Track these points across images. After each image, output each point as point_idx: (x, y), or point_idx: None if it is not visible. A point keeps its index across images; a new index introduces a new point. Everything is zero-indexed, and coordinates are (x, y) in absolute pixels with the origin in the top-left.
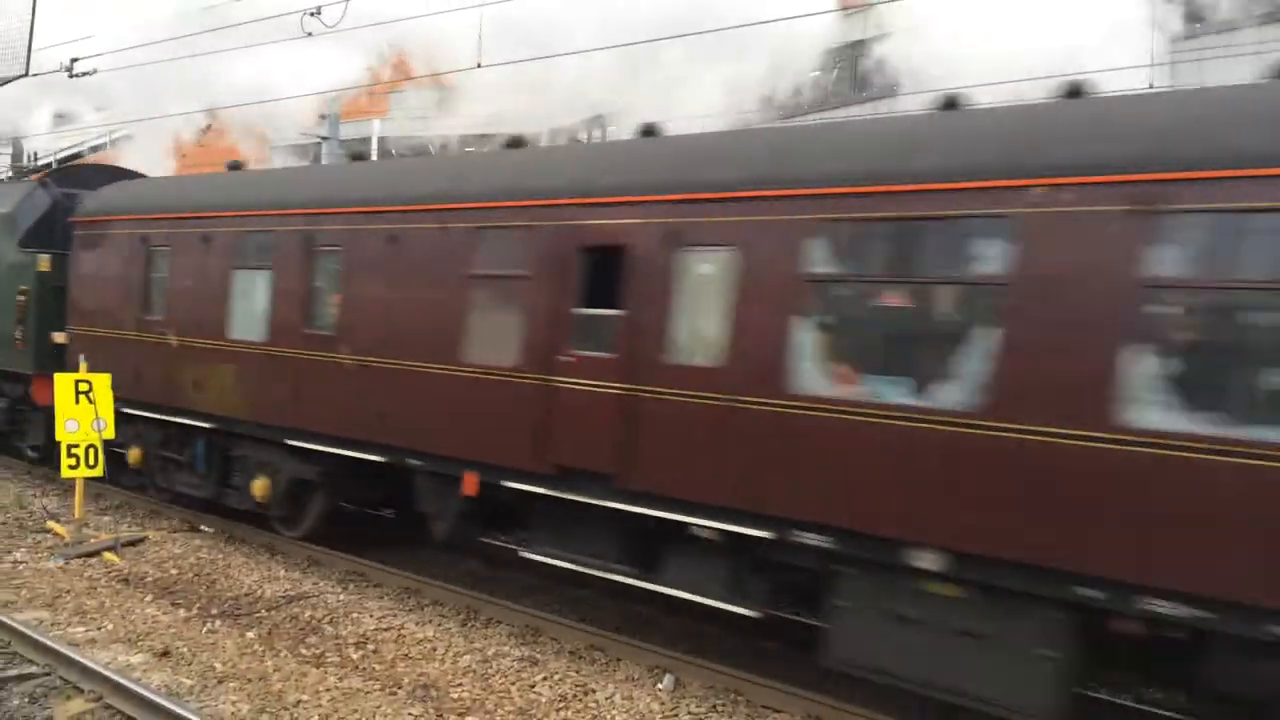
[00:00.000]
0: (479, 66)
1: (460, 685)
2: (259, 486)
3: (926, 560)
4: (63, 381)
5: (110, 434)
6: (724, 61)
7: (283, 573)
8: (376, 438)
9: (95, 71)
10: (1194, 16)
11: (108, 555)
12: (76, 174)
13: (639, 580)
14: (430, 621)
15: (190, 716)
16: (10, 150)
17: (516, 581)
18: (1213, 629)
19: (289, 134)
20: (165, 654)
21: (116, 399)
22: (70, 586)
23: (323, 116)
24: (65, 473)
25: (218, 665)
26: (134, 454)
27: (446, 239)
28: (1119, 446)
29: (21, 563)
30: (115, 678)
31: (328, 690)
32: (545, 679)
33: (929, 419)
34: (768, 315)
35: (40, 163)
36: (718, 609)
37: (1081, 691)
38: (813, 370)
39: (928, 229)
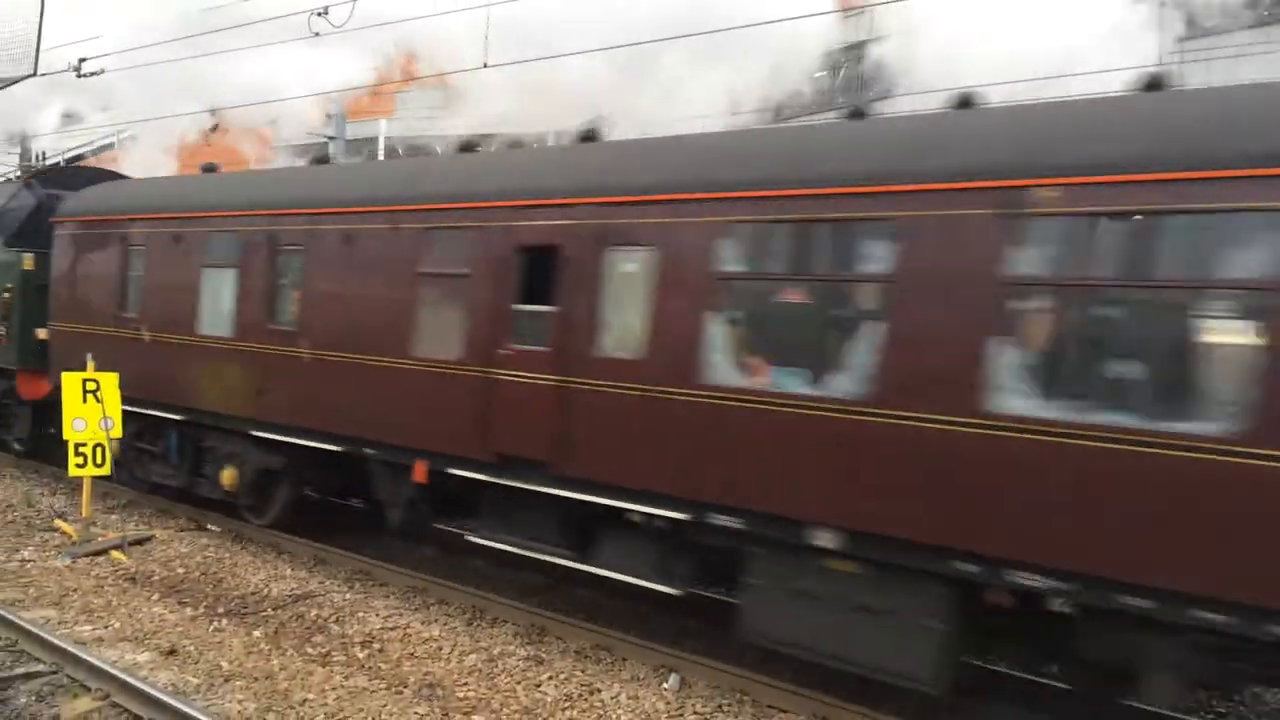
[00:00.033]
0: (485, 66)
1: (466, 684)
2: (227, 476)
3: (825, 539)
4: (70, 381)
5: (117, 433)
6: (725, 63)
7: (289, 572)
8: (334, 428)
9: (103, 71)
10: (1192, 20)
11: (115, 554)
12: (62, 175)
13: (575, 562)
14: (436, 621)
15: (197, 715)
16: (19, 150)
17: (522, 581)
18: (1073, 600)
19: (294, 134)
20: (172, 652)
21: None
22: (77, 585)
23: (329, 116)
24: (72, 471)
25: (224, 664)
26: (114, 447)
27: (397, 239)
28: (985, 432)
29: (29, 561)
30: (122, 676)
31: (333, 689)
32: (551, 678)
33: (824, 407)
34: (683, 311)
35: (48, 162)
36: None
37: (981, 665)
38: (723, 362)
39: (824, 231)
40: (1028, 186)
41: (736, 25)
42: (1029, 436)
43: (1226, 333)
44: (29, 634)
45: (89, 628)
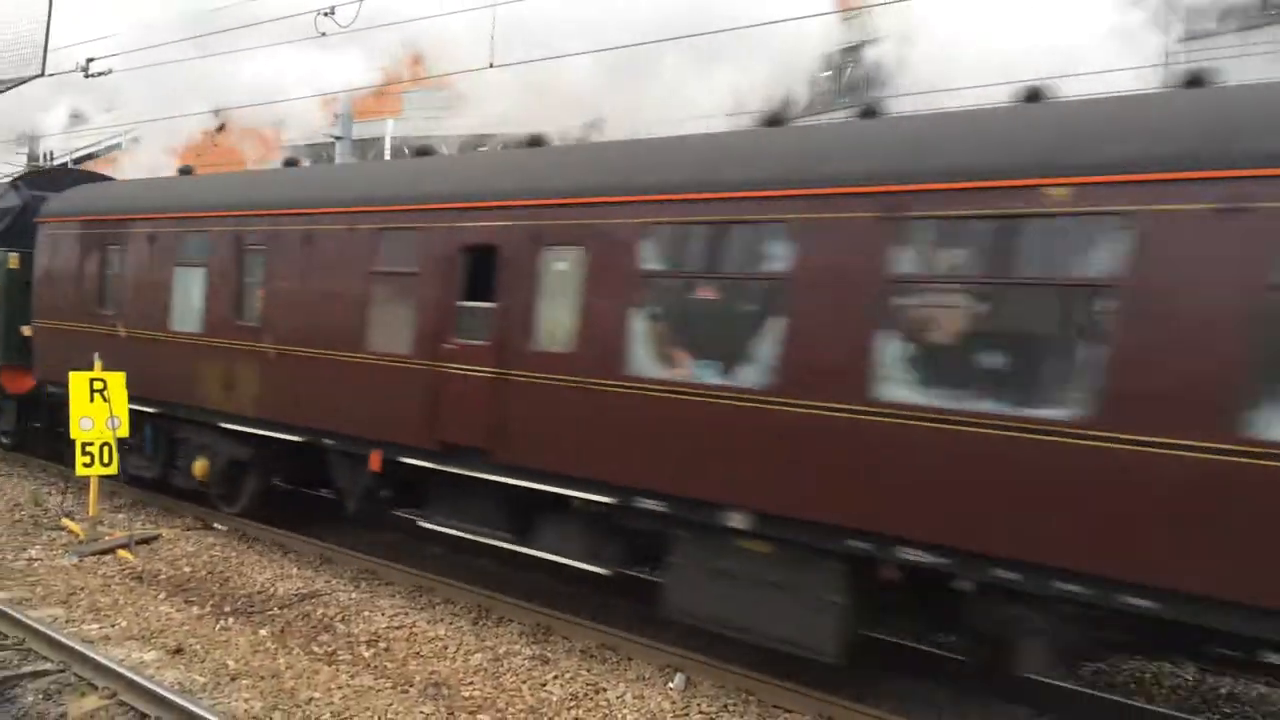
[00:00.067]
0: (491, 66)
1: (471, 683)
2: (199, 467)
3: (737, 520)
4: (77, 380)
5: (124, 431)
6: (727, 64)
7: (295, 571)
8: (296, 420)
9: (110, 71)
10: (1192, 20)
11: (122, 553)
12: (49, 177)
13: (516, 545)
14: (442, 620)
15: (203, 714)
16: (26, 150)
17: (528, 580)
18: (952, 573)
19: (301, 135)
20: (178, 651)
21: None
22: (85, 584)
23: (336, 116)
24: (80, 470)
25: (230, 663)
26: None
27: (353, 239)
28: (871, 418)
29: (37, 560)
30: (129, 675)
31: (339, 688)
32: (556, 677)
33: (733, 397)
34: (610, 307)
35: (56, 163)
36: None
37: (891, 639)
38: (646, 355)
39: (733, 232)
40: (905, 192)
41: (737, 26)
42: (910, 422)
43: (1074, 326)
44: (36, 632)
45: (96, 626)
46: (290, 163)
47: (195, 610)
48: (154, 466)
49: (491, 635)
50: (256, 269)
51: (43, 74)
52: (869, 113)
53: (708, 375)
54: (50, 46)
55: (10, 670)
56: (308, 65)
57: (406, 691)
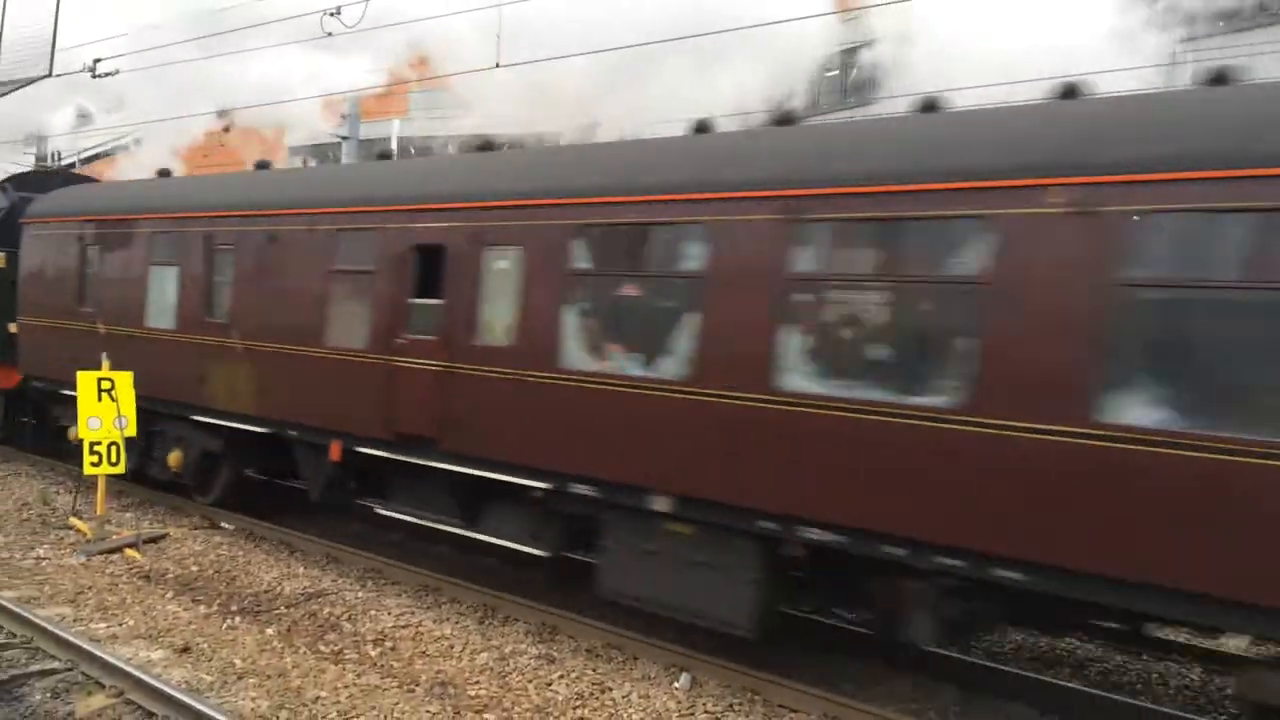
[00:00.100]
0: (498, 66)
1: (478, 683)
2: (173, 458)
3: (661, 504)
4: (85, 379)
5: (132, 431)
6: (729, 65)
7: (302, 570)
8: (263, 413)
9: (117, 72)
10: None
11: (129, 552)
12: (35, 179)
13: (465, 530)
14: (448, 619)
15: (210, 712)
16: (35, 150)
17: (534, 580)
18: (847, 551)
19: (307, 136)
20: (186, 650)
21: (56, 381)
22: (92, 583)
23: (343, 116)
24: (87, 470)
25: (237, 661)
26: (72, 432)
27: (314, 239)
28: (774, 406)
29: (45, 559)
30: (136, 673)
31: (346, 687)
32: (562, 677)
33: (655, 387)
34: (544, 303)
35: (63, 163)
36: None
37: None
38: (576, 349)
39: (653, 232)
40: (804, 196)
41: (740, 26)
42: (808, 410)
43: (949, 321)
44: (44, 631)
45: (103, 625)
46: (261, 165)
47: (202, 609)
48: (132, 458)
49: (497, 635)
50: (225, 268)
51: (50, 74)
52: (785, 120)
53: (632, 367)
54: (58, 46)
55: (18, 669)
56: (313, 67)
57: (412, 691)
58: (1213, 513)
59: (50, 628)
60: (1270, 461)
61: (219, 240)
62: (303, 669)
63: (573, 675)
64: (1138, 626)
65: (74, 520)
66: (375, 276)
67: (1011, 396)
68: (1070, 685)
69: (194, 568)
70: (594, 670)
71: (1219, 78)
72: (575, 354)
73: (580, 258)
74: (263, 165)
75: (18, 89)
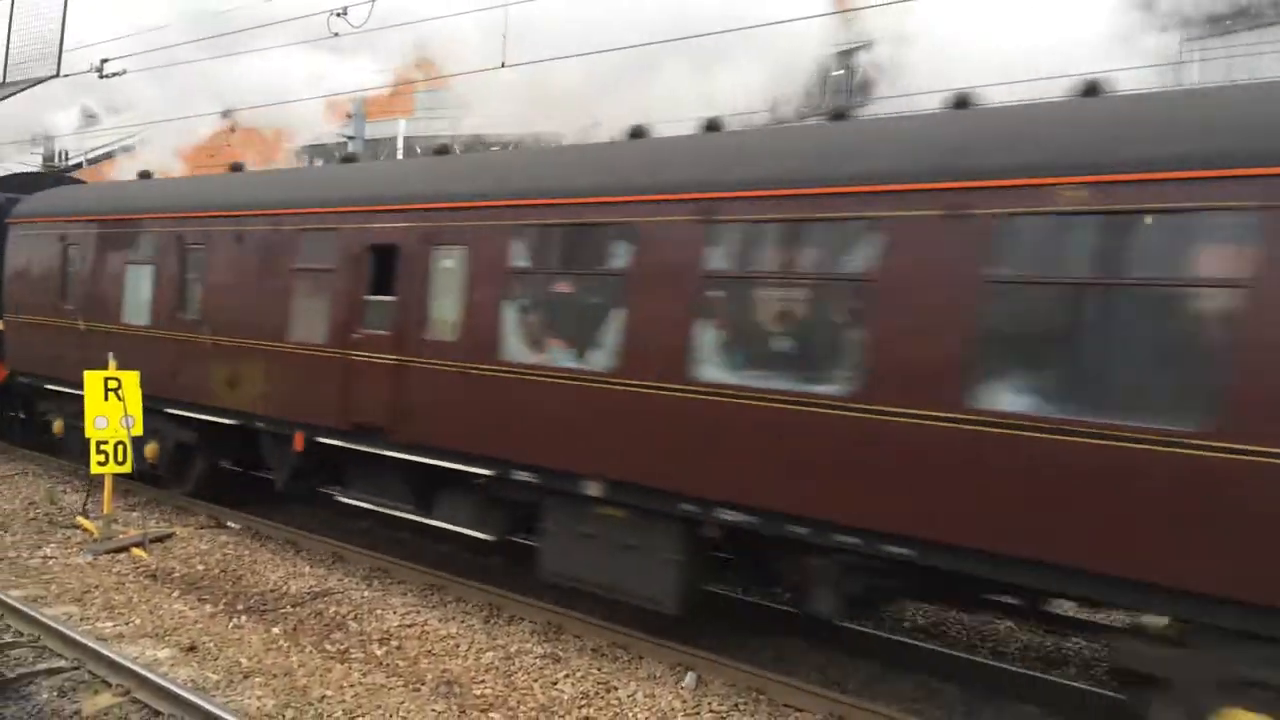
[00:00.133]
0: (503, 66)
1: (483, 682)
2: (150, 450)
3: (593, 488)
4: (92, 379)
5: (139, 430)
6: (731, 65)
7: (308, 569)
8: (232, 405)
9: (124, 72)
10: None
11: (136, 551)
12: (24, 180)
13: (418, 516)
14: (453, 618)
15: (216, 711)
16: (42, 151)
17: (539, 579)
18: (757, 531)
19: (314, 136)
20: (192, 649)
21: (41, 377)
22: (99, 582)
23: (349, 116)
24: (94, 469)
25: (243, 660)
26: (57, 425)
27: (278, 238)
28: (691, 395)
29: (51, 558)
30: (143, 672)
31: (351, 686)
32: (568, 676)
33: (585, 379)
34: (486, 300)
35: (70, 163)
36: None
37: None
38: (515, 342)
39: (583, 232)
40: (716, 198)
41: (743, 26)
42: (720, 399)
43: (844, 316)
44: (51, 630)
45: (110, 624)
46: (236, 168)
47: (208, 608)
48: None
49: (503, 634)
50: (196, 266)
51: (58, 74)
52: (711, 126)
53: (565, 360)
54: (65, 47)
55: (25, 667)
56: (319, 67)
57: (418, 690)
58: (1069, 491)
59: (57, 626)
60: (1115, 443)
61: (190, 240)
62: (308, 668)
63: (578, 674)
64: (1036, 603)
65: (80, 519)
66: (334, 275)
67: (896, 385)
68: (1077, 685)
69: (200, 567)
70: (599, 669)
71: (1090, 89)
72: (515, 348)
73: (519, 257)
74: (236, 168)
75: (25, 89)
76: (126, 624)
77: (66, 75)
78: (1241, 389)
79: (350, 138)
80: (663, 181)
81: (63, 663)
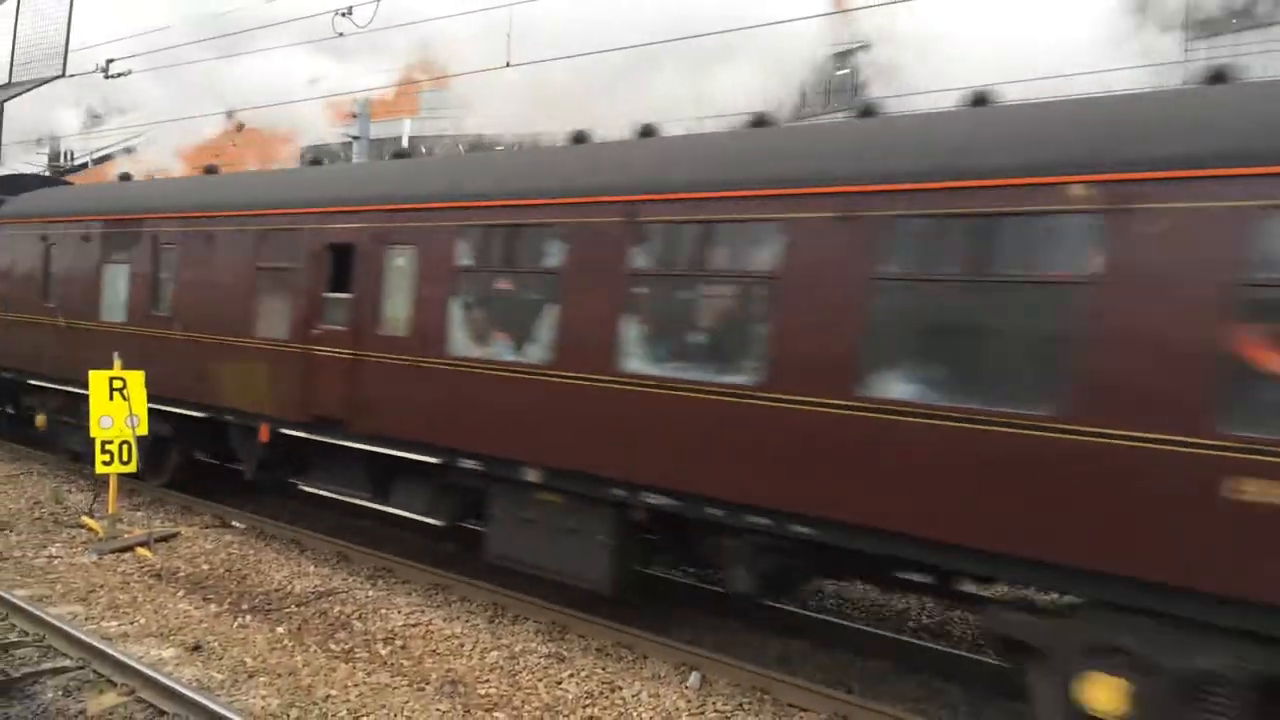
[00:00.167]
0: (508, 65)
1: (487, 681)
2: None
3: (532, 475)
4: (97, 379)
5: (144, 430)
6: (733, 65)
7: (312, 569)
8: (203, 399)
9: (130, 73)
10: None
11: (141, 550)
12: (11, 181)
13: (376, 504)
14: (458, 618)
15: (221, 711)
16: (47, 151)
17: (544, 579)
18: (680, 513)
19: (316, 137)
20: (197, 648)
21: (25, 372)
22: (104, 581)
23: (354, 115)
24: (99, 469)
25: (248, 660)
26: (40, 419)
27: (243, 238)
28: (617, 386)
29: (57, 557)
30: (148, 672)
31: (356, 685)
32: (572, 676)
33: (524, 371)
34: (435, 296)
35: (76, 163)
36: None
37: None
38: (461, 337)
39: (521, 233)
40: (640, 201)
41: (744, 26)
42: (643, 389)
43: (753, 311)
44: (56, 629)
45: (115, 623)
46: (210, 170)
47: (213, 608)
48: (89, 442)
49: (507, 633)
50: (168, 265)
51: (63, 74)
52: (646, 132)
53: (506, 353)
54: (70, 47)
55: (30, 667)
56: (321, 69)
57: (423, 689)
58: (948, 474)
59: (62, 626)
60: (985, 427)
61: (163, 240)
62: (313, 667)
63: (583, 674)
64: (946, 581)
65: (85, 519)
66: (295, 273)
67: (797, 375)
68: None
69: (205, 566)
70: (604, 669)
71: (979, 100)
72: (460, 342)
73: (464, 256)
74: (210, 170)
75: (31, 89)
76: (131, 623)
77: (72, 75)
78: (1088, 377)
79: (355, 138)
80: (592, 185)
81: (68, 662)
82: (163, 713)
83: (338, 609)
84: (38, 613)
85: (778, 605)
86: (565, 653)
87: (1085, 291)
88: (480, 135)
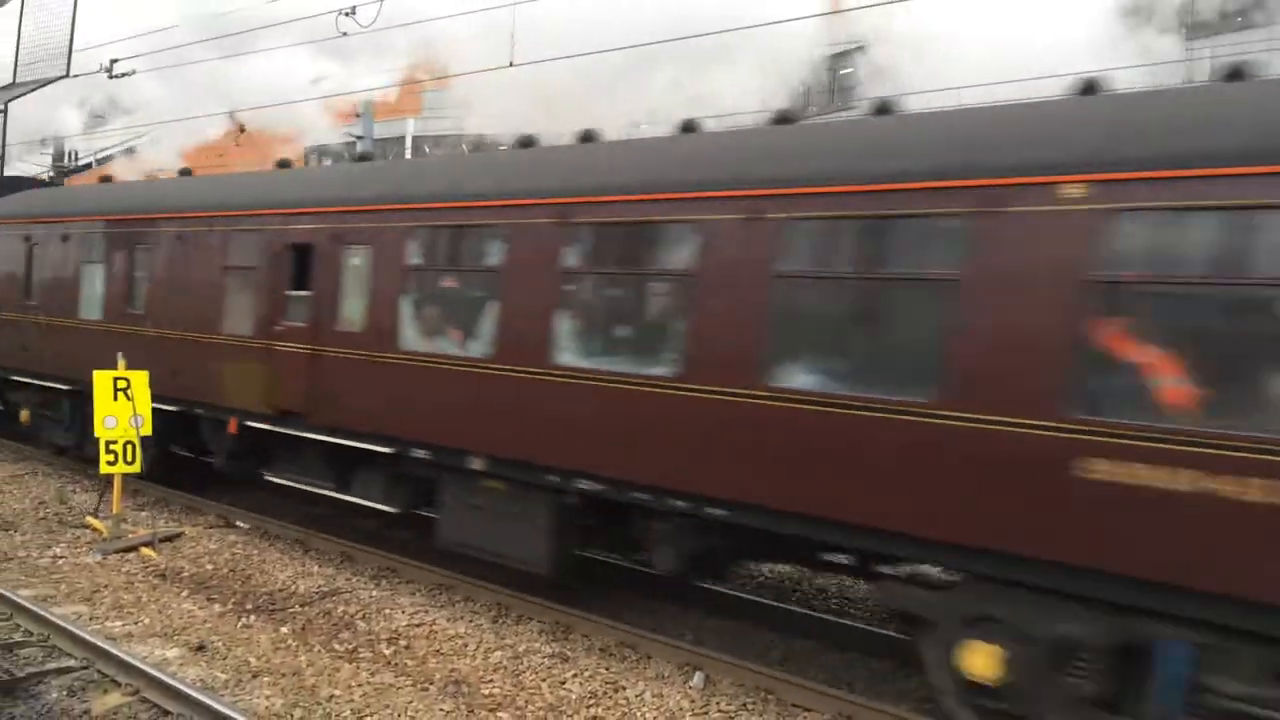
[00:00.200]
0: (511, 65)
1: (491, 681)
2: None
3: (477, 463)
4: (101, 379)
5: (148, 430)
6: (735, 65)
7: (316, 569)
8: (175, 393)
9: (134, 73)
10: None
11: (145, 550)
12: (6, 184)
13: (336, 493)
14: (461, 618)
15: (225, 710)
16: (51, 151)
17: (547, 579)
18: (606, 498)
19: (319, 137)
20: (201, 648)
21: (9, 369)
22: (108, 581)
23: (358, 116)
24: (103, 469)
25: (252, 660)
26: (23, 415)
27: (212, 239)
28: (552, 378)
29: (61, 558)
30: (152, 671)
31: (360, 686)
32: (576, 676)
33: (467, 364)
34: (387, 294)
35: (80, 163)
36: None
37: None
38: (411, 332)
39: (465, 234)
40: (571, 203)
41: (743, 26)
42: (576, 381)
43: (672, 307)
44: (60, 629)
45: (119, 624)
46: (185, 173)
47: (217, 608)
48: (71, 436)
49: (511, 633)
50: (143, 265)
51: (67, 74)
52: (586, 137)
53: (451, 348)
54: (74, 47)
55: (35, 667)
56: (324, 70)
57: (426, 689)
58: (842, 457)
59: (66, 626)
60: (881, 414)
61: (137, 240)
62: (317, 667)
63: (586, 674)
64: (867, 563)
65: (90, 519)
66: (259, 271)
67: (712, 367)
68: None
69: (209, 566)
70: (607, 669)
71: (880, 109)
72: (410, 337)
73: (413, 255)
74: (185, 172)
75: (36, 89)
76: (135, 623)
77: (76, 76)
78: (958, 366)
79: (359, 138)
80: (529, 188)
81: (72, 662)
82: (167, 713)
83: (342, 609)
84: (42, 613)
85: (779, 605)
86: (569, 652)
87: (954, 288)
88: (481, 135)
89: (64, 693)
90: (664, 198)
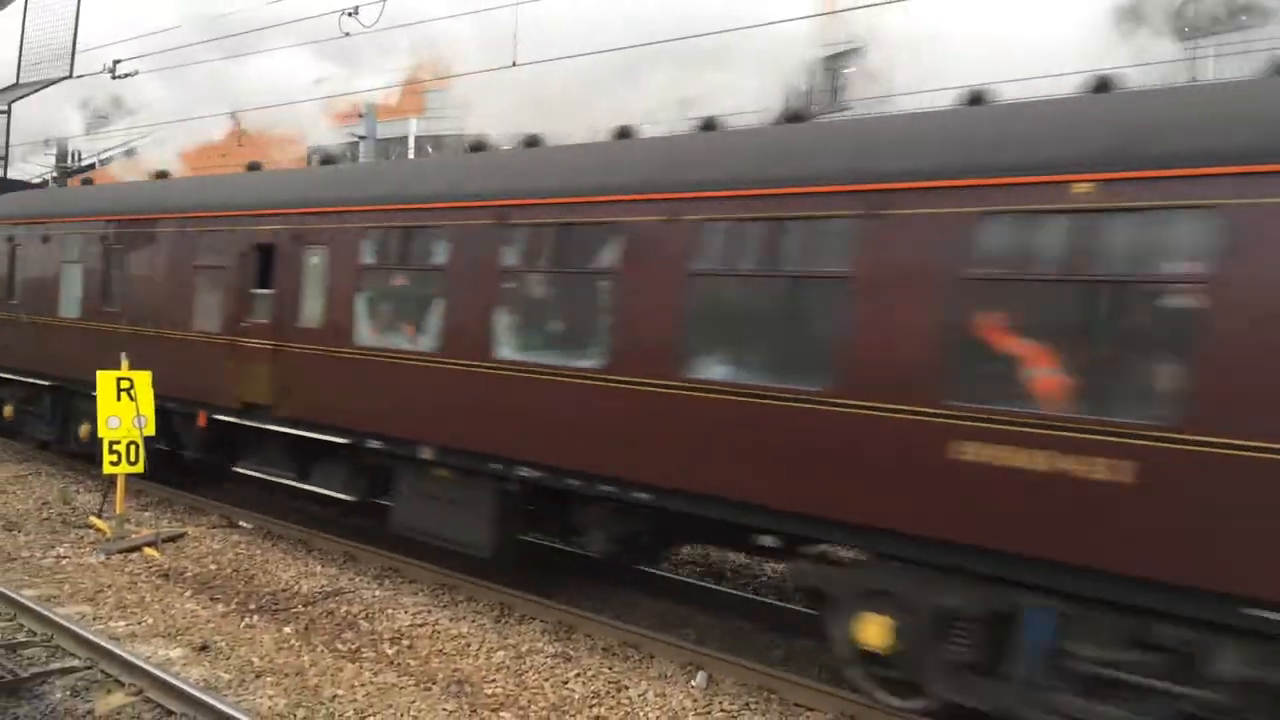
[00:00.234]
0: (514, 65)
1: (494, 681)
2: (84, 431)
3: (427, 453)
4: (104, 379)
5: (151, 430)
6: (733, 66)
7: (319, 568)
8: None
9: (136, 73)
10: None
11: (148, 550)
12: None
13: (299, 483)
14: (464, 618)
15: (228, 710)
16: (54, 152)
17: (550, 578)
18: (547, 485)
19: (321, 138)
20: (204, 648)
21: None
22: (112, 581)
23: (360, 115)
24: (107, 469)
25: (255, 660)
26: (7, 410)
27: (184, 239)
28: (492, 371)
29: (65, 558)
30: (155, 671)
31: (363, 685)
32: (578, 675)
33: (416, 359)
34: (343, 291)
35: (84, 163)
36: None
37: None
38: (364, 328)
39: (414, 234)
40: (509, 205)
41: (742, 26)
42: (514, 374)
43: (599, 304)
44: (64, 630)
45: (123, 624)
46: (161, 175)
47: (220, 608)
48: (53, 431)
49: (514, 633)
50: (118, 264)
51: (70, 75)
52: (531, 142)
53: (401, 343)
54: (77, 48)
55: (39, 666)
56: (326, 70)
57: (429, 689)
58: (754, 444)
59: (70, 626)
60: (783, 403)
61: (113, 241)
62: (320, 667)
63: (589, 673)
64: (794, 546)
65: (93, 519)
66: (227, 270)
67: (635, 360)
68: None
69: (212, 566)
70: (610, 669)
71: (794, 117)
72: (364, 333)
73: (367, 254)
74: (161, 175)
75: (39, 90)
76: (139, 623)
77: (79, 76)
78: (847, 357)
79: (361, 138)
80: (471, 190)
81: (76, 662)
82: (170, 712)
83: (345, 609)
84: (46, 613)
85: (781, 605)
86: (571, 652)
87: (845, 285)
88: (482, 135)
89: (68, 693)
90: (592, 200)
